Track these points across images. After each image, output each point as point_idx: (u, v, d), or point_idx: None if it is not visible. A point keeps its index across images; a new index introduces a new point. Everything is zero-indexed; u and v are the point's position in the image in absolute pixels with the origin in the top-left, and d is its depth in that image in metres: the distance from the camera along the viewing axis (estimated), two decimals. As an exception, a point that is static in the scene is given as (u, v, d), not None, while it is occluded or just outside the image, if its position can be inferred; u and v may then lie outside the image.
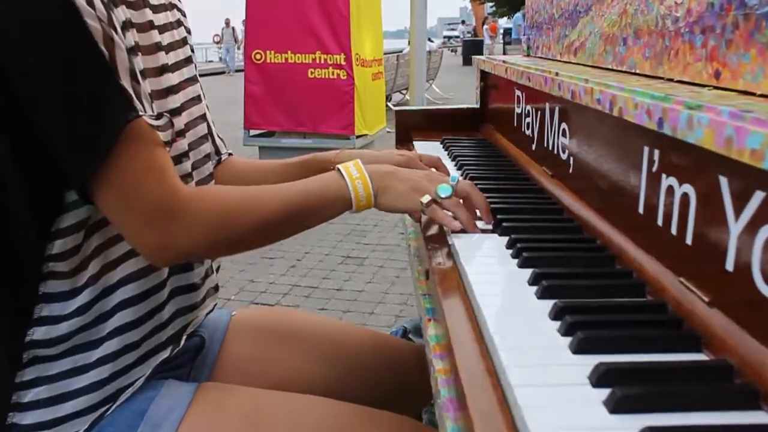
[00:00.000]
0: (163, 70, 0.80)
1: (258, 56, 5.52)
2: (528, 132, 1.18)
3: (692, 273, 0.58)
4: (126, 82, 0.70)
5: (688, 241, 0.58)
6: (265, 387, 0.88)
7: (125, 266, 0.78)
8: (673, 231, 0.61)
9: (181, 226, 0.73)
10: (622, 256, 0.71)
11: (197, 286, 0.89)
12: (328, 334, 1.03)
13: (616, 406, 0.43)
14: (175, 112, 0.82)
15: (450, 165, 1.18)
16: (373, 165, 0.83)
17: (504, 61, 1.32)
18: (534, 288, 0.64)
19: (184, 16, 0.94)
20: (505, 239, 0.78)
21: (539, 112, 1.11)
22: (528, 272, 0.67)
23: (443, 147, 1.40)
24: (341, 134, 5.50)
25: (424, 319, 0.71)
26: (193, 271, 0.88)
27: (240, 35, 18.76)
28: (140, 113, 0.70)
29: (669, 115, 0.57)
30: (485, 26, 20.42)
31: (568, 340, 0.53)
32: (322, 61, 5.41)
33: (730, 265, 0.52)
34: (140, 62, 0.75)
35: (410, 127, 1.58)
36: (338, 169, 0.82)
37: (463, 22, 41.19)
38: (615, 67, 0.97)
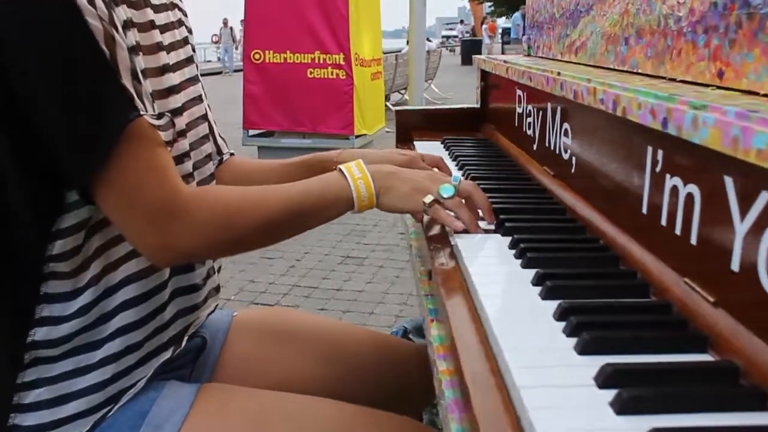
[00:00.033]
0: (165, 69, 0.80)
1: (257, 56, 5.51)
2: (529, 132, 1.18)
3: (697, 273, 0.58)
4: (127, 81, 0.69)
5: (693, 241, 0.58)
6: (266, 387, 0.88)
7: (127, 267, 0.77)
8: (678, 231, 0.61)
9: (182, 227, 0.73)
10: (625, 256, 0.70)
11: (199, 287, 0.89)
12: (327, 335, 1.03)
13: (622, 408, 0.43)
14: (177, 112, 0.81)
15: (451, 165, 1.18)
16: (375, 165, 0.83)
17: (505, 61, 1.32)
18: (538, 288, 0.64)
19: (185, 15, 0.93)
20: (507, 239, 0.78)
21: (541, 112, 1.10)
22: (531, 272, 0.67)
23: (444, 147, 1.39)
24: (340, 134, 5.50)
25: (426, 319, 0.70)
26: (194, 272, 0.88)
27: (238, 35, 18.75)
28: (141, 113, 0.70)
29: (674, 115, 0.57)
30: (484, 26, 20.42)
31: (573, 341, 0.53)
32: (321, 61, 5.41)
33: (735, 266, 0.51)
34: (141, 62, 0.74)
35: (410, 126, 1.58)
36: (340, 169, 0.82)
37: (461, 21, 41.18)
38: (617, 67, 0.97)
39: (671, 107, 0.58)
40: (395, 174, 0.82)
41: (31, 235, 0.72)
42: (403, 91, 9.58)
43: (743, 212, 0.51)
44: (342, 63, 5.39)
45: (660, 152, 0.65)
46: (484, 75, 1.57)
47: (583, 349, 0.51)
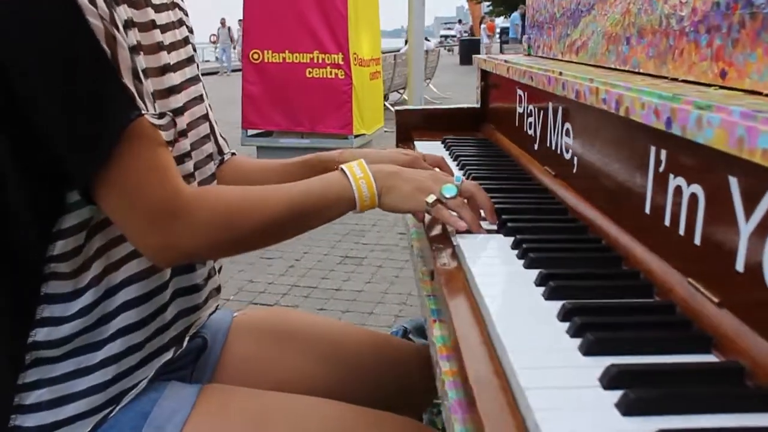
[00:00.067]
0: (165, 69, 0.80)
1: (255, 56, 5.51)
2: (530, 132, 1.18)
3: (701, 274, 0.58)
4: (128, 80, 0.69)
5: (697, 241, 0.58)
6: (267, 388, 0.88)
7: (128, 267, 0.77)
8: (681, 231, 0.61)
9: (183, 227, 0.73)
10: (628, 256, 0.70)
11: (200, 287, 0.89)
12: (328, 335, 1.02)
13: (628, 409, 0.43)
14: (178, 112, 0.81)
15: (452, 165, 1.18)
16: (377, 165, 0.83)
17: (506, 61, 1.32)
18: (541, 289, 0.64)
19: (186, 15, 0.93)
20: (510, 240, 0.78)
21: (542, 112, 1.10)
22: (534, 273, 0.67)
23: (444, 147, 1.39)
24: (339, 134, 5.50)
25: (429, 320, 0.70)
26: (195, 272, 0.88)
27: (236, 35, 18.74)
28: (143, 112, 0.69)
29: (678, 115, 0.57)
30: (483, 25, 20.44)
31: (577, 341, 0.53)
32: (320, 61, 5.41)
33: (740, 266, 0.51)
34: (142, 61, 0.74)
35: (411, 126, 1.58)
36: (342, 169, 0.81)
37: (459, 21, 41.20)
38: (618, 67, 0.97)
39: (675, 107, 0.58)
40: (397, 174, 0.82)
41: (32, 235, 0.71)
42: (401, 91, 9.59)
43: (748, 212, 0.50)
44: (341, 63, 5.38)
45: (663, 152, 0.65)
46: (485, 75, 1.57)
47: (587, 350, 0.51)
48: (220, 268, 0.97)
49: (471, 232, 0.80)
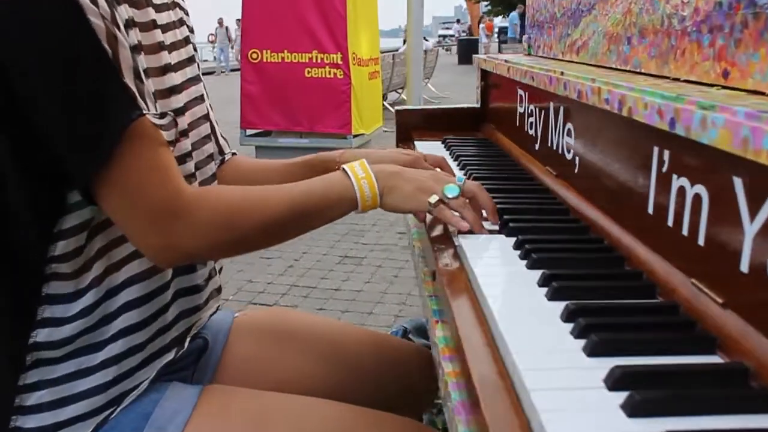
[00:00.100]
0: (166, 69, 0.80)
1: (254, 55, 5.50)
2: (531, 132, 1.18)
3: (705, 274, 0.58)
4: (129, 80, 0.69)
5: (701, 242, 0.58)
6: (267, 388, 0.88)
7: (129, 268, 0.77)
8: (685, 232, 0.61)
9: (184, 227, 0.72)
10: (631, 257, 0.70)
11: (201, 288, 0.88)
12: (328, 335, 1.02)
13: (634, 410, 0.43)
14: (179, 111, 0.81)
15: (453, 165, 1.18)
16: (378, 165, 0.82)
17: (506, 61, 1.32)
18: (544, 289, 0.63)
19: (187, 15, 0.93)
20: (512, 240, 0.78)
21: (543, 112, 1.10)
22: (537, 273, 0.67)
23: (445, 147, 1.39)
24: (338, 133, 5.50)
25: (431, 320, 0.70)
26: (196, 273, 0.87)
27: (234, 35, 18.72)
28: (144, 112, 0.69)
29: (682, 115, 0.57)
30: (481, 25, 20.45)
31: (581, 342, 0.53)
32: (319, 61, 5.41)
33: (744, 267, 0.51)
34: (143, 61, 0.74)
35: (411, 126, 1.58)
36: (343, 169, 0.81)
37: (458, 21, 41.20)
38: (619, 67, 0.96)
39: (679, 107, 0.57)
40: (399, 174, 0.82)
41: (32, 235, 0.71)
42: (400, 91, 9.58)
43: (753, 213, 0.50)
44: (339, 62, 5.38)
45: (666, 152, 0.65)
46: (485, 74, 1.57)
47: (591, 351, 0.51)
48: (221, 269, 0.97)
49: (473, 232, 0.80)
